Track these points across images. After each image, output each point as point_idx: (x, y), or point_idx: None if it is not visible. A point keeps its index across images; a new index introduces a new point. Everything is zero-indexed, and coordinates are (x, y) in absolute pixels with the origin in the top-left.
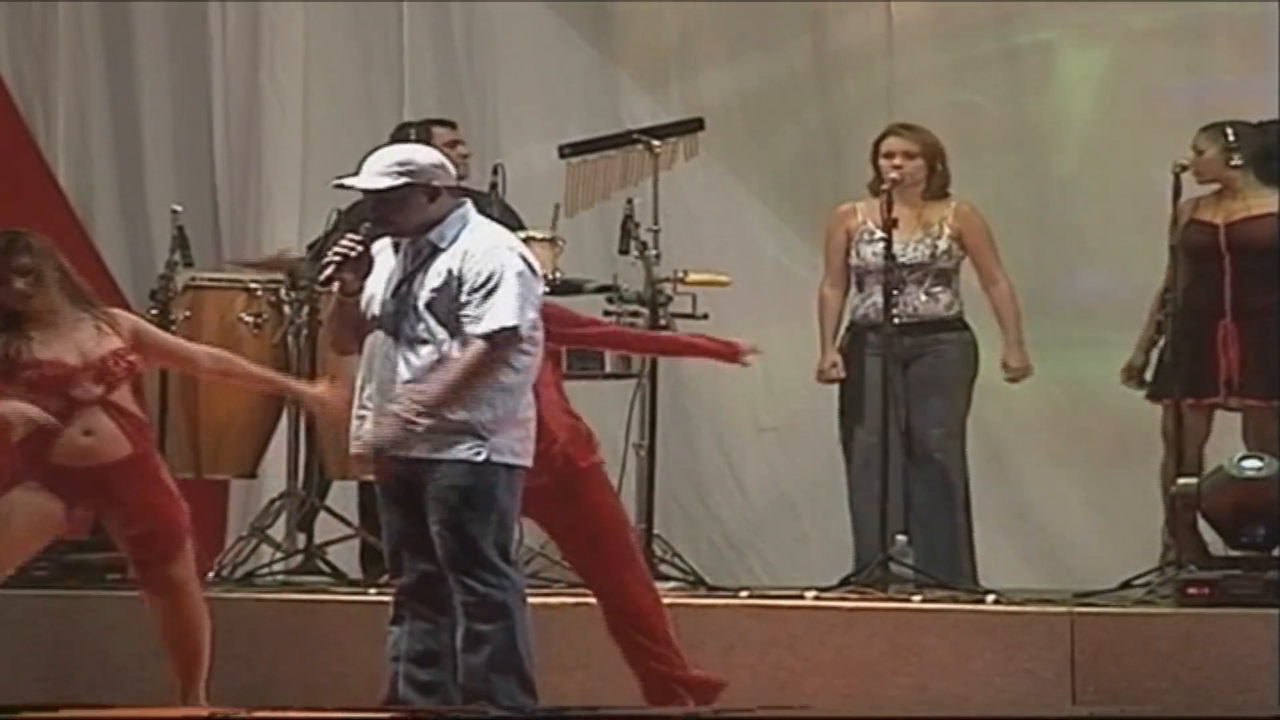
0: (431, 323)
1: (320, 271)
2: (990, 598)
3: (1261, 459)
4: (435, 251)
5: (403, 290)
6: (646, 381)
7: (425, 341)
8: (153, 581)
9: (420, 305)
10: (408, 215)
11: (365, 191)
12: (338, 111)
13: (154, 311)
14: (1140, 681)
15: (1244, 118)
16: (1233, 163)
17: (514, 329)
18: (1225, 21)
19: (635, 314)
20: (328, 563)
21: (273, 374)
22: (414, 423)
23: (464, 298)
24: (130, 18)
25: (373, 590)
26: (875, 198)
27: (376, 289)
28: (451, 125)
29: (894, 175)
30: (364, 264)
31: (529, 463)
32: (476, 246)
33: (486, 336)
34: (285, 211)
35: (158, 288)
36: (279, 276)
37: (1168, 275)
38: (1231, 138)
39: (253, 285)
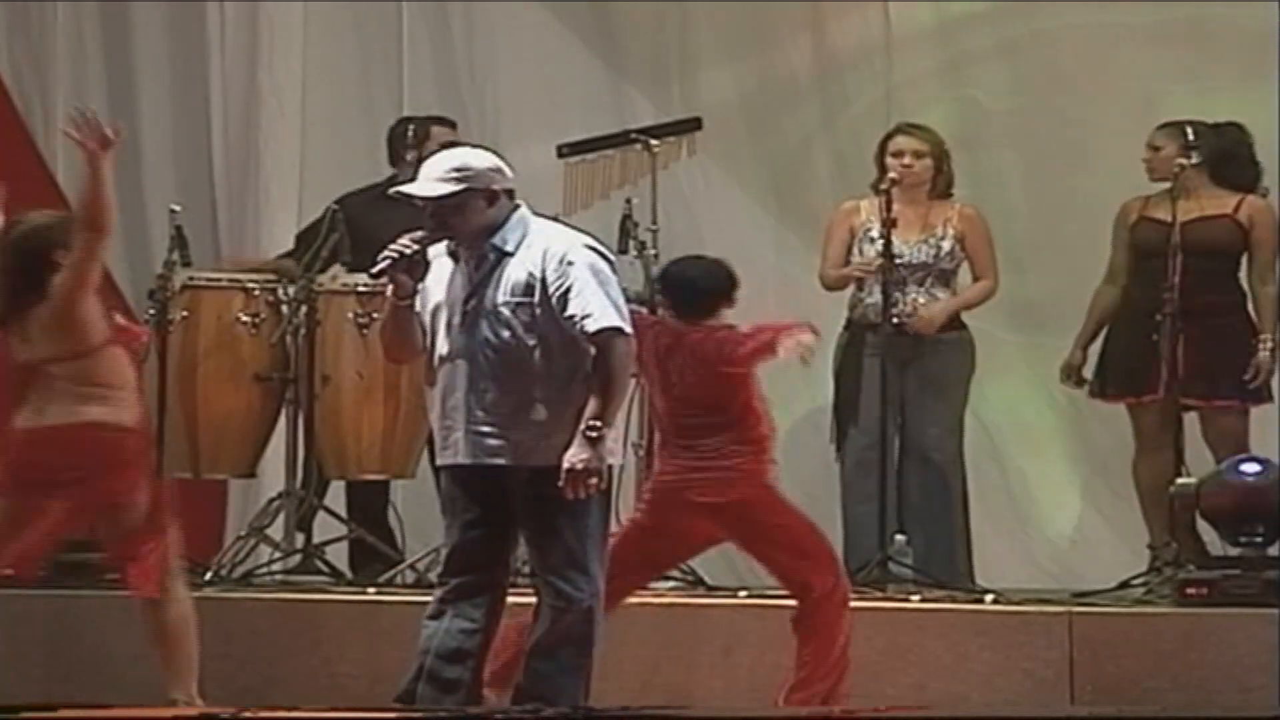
0: (519, 330)
1: (373, 264)
2: (989, 598)
3: (1260, 460)
4: (503, 256)
5: (477, 298)
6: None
7: (511, 349)
8: None
9: (503, 313)
10: (467, 219)
11: (424, 200)
12: (337, 111)
13: (152, 311)
14: (1139, 681)
15: (1244, 120)
16: (1190, 161)
17: (621, 327)
18: (1225, 22)
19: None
20: (326, 562)
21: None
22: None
23: (567, 298)
24: (129, 18)
25: (371, 590)
26: (879, 196)
27: (439, 297)
28: (451, 124)
29: (894, 175)
30: (419, 267)
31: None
32: (554, 246)
33: (611, 331)
34: (283, 210)
35: (155, 287)
36: (277, 276)
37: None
38: (1191, 137)
39: (250, 285)
